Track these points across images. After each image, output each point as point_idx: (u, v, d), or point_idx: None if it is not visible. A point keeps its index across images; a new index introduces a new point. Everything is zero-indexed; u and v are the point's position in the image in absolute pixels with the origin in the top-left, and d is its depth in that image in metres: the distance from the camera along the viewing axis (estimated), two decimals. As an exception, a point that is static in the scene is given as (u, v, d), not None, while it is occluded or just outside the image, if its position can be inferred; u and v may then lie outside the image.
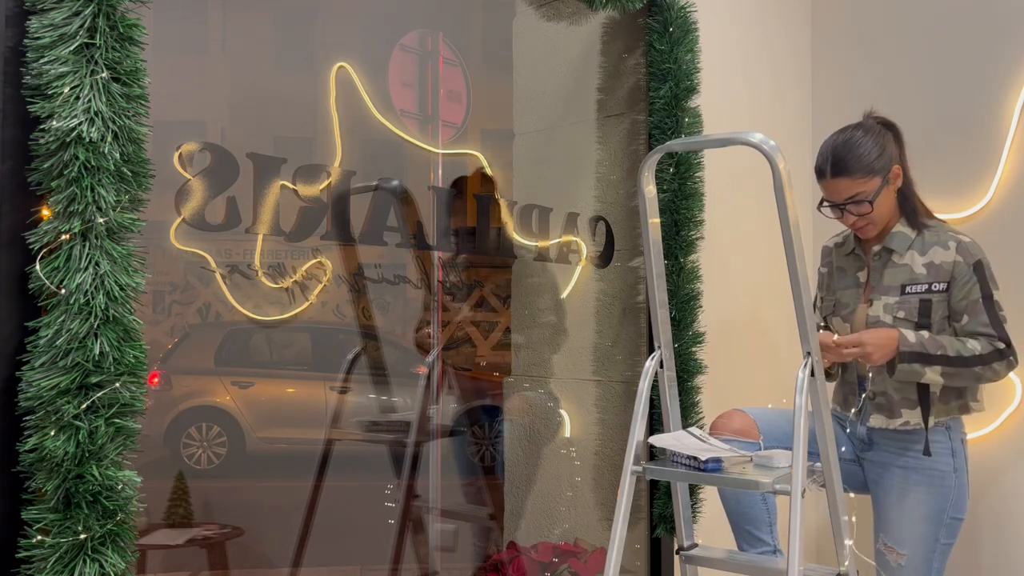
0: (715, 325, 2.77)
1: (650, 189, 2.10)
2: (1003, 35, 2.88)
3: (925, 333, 2.22)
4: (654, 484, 2.67)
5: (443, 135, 3.02)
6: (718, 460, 1.98)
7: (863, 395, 2.38)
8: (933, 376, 2.18)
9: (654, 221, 2.11)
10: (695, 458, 1.98)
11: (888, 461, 2.32)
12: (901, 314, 2.25)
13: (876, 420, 2.30)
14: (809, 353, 1.92)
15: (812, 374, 1.92)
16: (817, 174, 2.32)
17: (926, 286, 2.24)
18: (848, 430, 2.42)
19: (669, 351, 2.18)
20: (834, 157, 2.28)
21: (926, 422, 2.25)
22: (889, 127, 2.35)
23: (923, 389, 2.24)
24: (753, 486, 1.91)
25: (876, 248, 2.35)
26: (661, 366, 2.16)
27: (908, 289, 2.26)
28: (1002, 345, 2.20)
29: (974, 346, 2.19)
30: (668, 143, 2.14)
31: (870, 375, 2.33)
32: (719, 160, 2.81)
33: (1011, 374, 2.65)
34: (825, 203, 2.32)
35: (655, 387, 2.16)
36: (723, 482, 2.00)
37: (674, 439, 2.10)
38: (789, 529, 1.80)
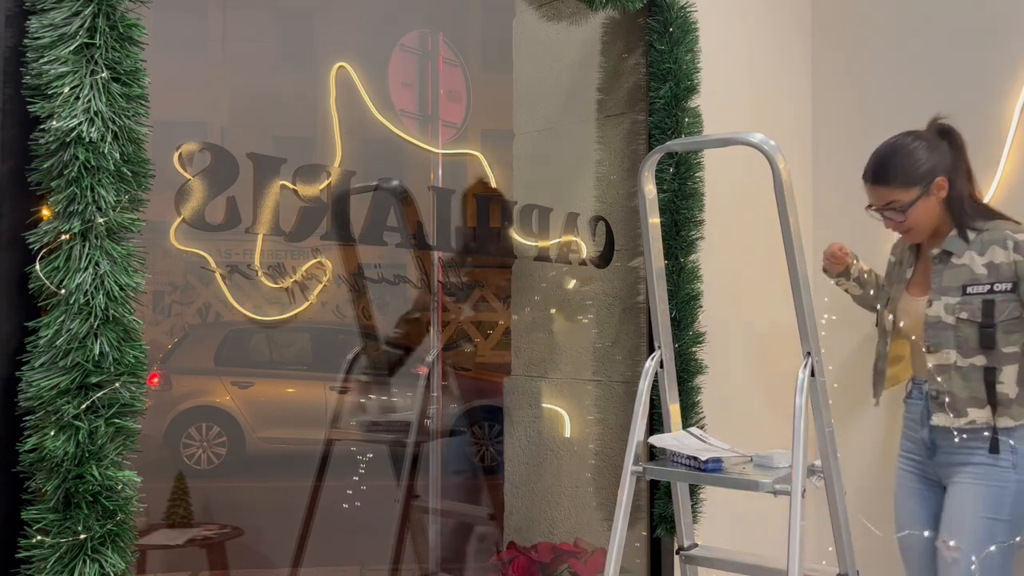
0: (715, 325, 2.76)
1: (650, 189, 2.10)
2: (1003, 35, 2.88)
3: None
4: (654, 484, 2.66)
5: (443, 135, 3.02)
6: (718, 460, 1.98)
7: (920, 387, 2.42)
8: None
9: (654, 221, 2.11)
10: (695, 458, 1.98)
11: (953, 461, 2.34)
12: (964, 315, 2.27)
13: (940, 419, 2.32)
14: (809, 353, 1.92)
15: (812, 374, 1.92)
16: (863, 178, 2.39)
17: (988, 286, 2.26)
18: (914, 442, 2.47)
19: (669, 351, 2.18)
20: (877, 164, 2.35)
21: (995, 419, 2.26)
22: (945, 135, 2.38)
23: (991, 387, 2.26)
24: (753, 486, 1.91)
25: (935, 251, 2.38)
26: (661, 366, 2.16)
27: (969, 290, 2.28)
28: None
29: None
30: (668, 143, 2.14)
31: (929, 373, 2.35)
32: (719, 160, 2.81)
33: None
34: (870, 207, 2.40)
35: (655, 387, 2.16)
36: (723, 482, 2.00)
37: (674, 439, 2.10)
38: (789, 529, 1.80)
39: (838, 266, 2.70)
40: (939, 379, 2.31)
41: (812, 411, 1.96)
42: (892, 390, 2.67)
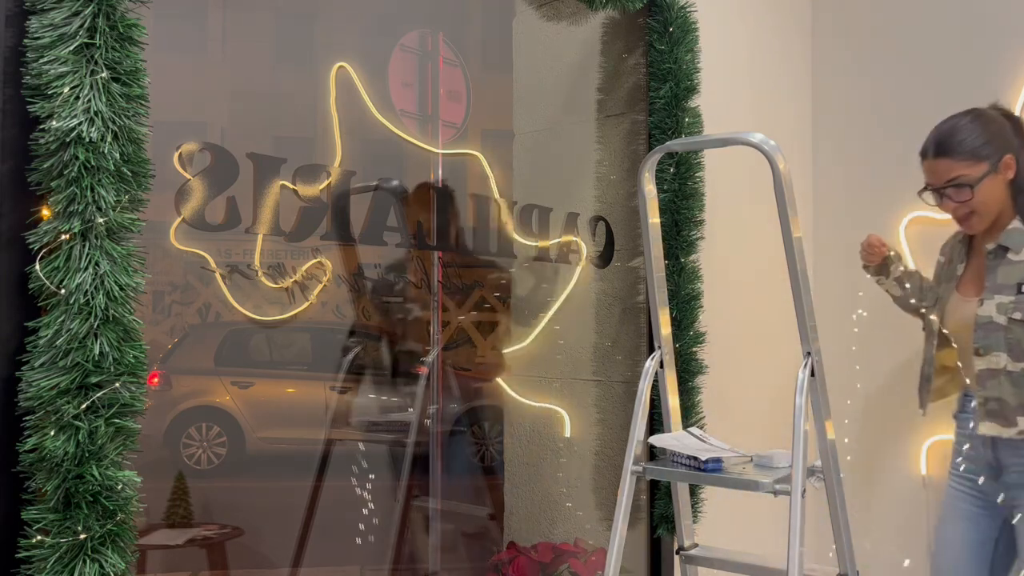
0: (715, 325, 2.76)
1: (650, 189, 2.10)
2: (1003, 35, 2.88)
3: None
4: (654, 484, 2.66)
5: (443, 135, 3.02)
6: (718, 460, 1.98)
7: (971, 401, 2.23)
8: None
9: (654, 221, 2.11)
10: (695, 458, 1.98)
11: (1022, 482, 2.12)
12: (1018, 315, 2.07)
13: (988, 427, 2.13)
14: (809, 353, 1.91)
15: (812, 374, 1.91)
16: (920, 155, 2.20)
17: None
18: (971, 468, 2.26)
19: (669, 351, 2.18)
20: (938, 137, 2.16)
21: None
22: (1010, 118, 2.22)
23: None
24: (753, 486, 1.91)
25: (991, 246, 2.17)
26: (661, 366, 2.15)
27: None
28: None
29: None
30: (668, 143, 2.13)
31: (977, 378, 2.18)
32: (719, 160, 2.81)
33: None
34: (927, 188, 2.19)
35: (655, 387, 2.16)
36: (723, 482, 2.00)
37: (674, 439, 2.10)
38: (789, 530, 1.80)
39: (874, 258, 2.51)
40: (987, 384, 2.13)
41: (812, 412, 1.95)
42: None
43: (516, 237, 2.69)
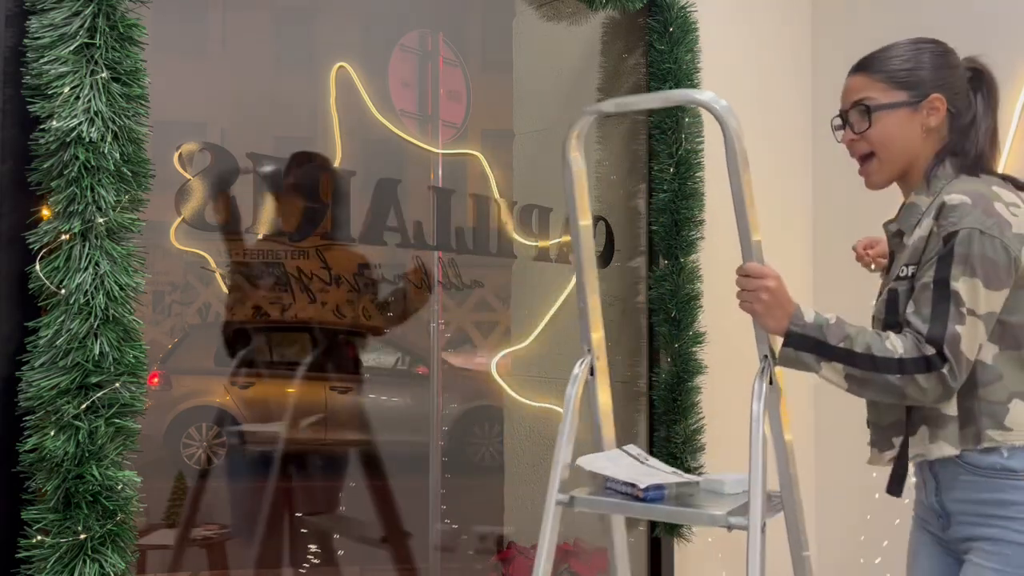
0: (715, 325, 2.76)
1: (575, 157, 1.78)
2: (1002, 36, 2.88)
3: (833, 316, 1.59)
4: (654, 484, 2.66)
5: (443, 135, 3.02)
6: (660, 487, 1.64)
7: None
8: (832, 375, 1.55)
9: (582, 203, 1.82)
10: (634, 485, 1.64)
11: (966, 534, 1.58)
12: (881, 315, 1.67)
13: (871, 455, 1.69)
14: (767, 356, 1.62)
15: (771, 382, 1.62)
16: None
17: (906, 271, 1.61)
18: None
19: (601, 355, 1.81)
20: (867, 54, 1.75)
21: (904, 448, 1.59)
22: (974, 69, 1.78)
23: (911, 407, 1.59)
24: (705, 520, 1.56)
25: (893, 227, 1.72)
26: (592, 373, 1.80)
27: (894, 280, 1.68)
28: (931, 351, 1.47)
29: (895, 345, 1.50)
30: (599, 104, 1.86)
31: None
32: (720, 160, 2.81)
33: None
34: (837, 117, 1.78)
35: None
36: (669, 515, 1.65)
37: (608, 460, 1.76)
38: (747, 568, 1.47)
39: (864, 264, 2.07)
40: (869, 404, 1.70)
41: (771, 430, 1.67)
42: None
43: (516, 237, 2.69)
